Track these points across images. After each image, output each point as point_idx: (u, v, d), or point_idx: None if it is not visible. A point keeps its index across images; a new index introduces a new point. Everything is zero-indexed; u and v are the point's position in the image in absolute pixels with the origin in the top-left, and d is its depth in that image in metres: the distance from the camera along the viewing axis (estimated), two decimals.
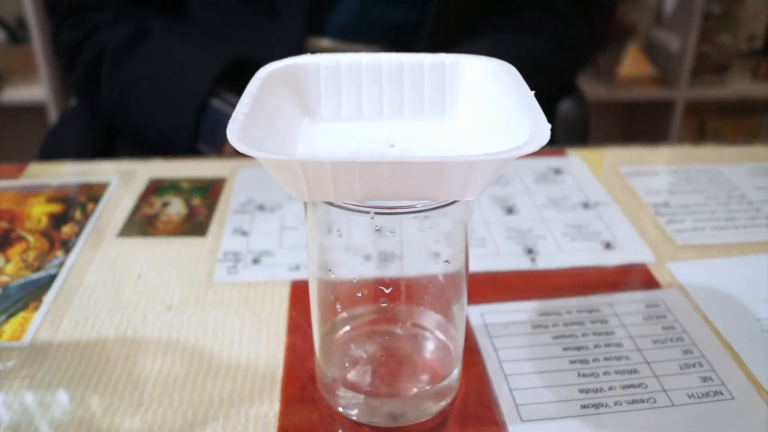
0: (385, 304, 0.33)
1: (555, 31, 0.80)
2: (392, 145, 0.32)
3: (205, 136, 0.70)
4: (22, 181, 0.56)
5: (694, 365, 0.39)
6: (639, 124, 1.84)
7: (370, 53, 0.35)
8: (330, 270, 0.33)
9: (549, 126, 0.26)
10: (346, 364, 0.35)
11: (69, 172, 0.58)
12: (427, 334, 0.36)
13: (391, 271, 0.33)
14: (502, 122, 0.30)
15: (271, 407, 0.35)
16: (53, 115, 1.53)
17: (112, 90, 0.74)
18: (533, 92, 0.29)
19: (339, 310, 0.35)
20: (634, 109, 1.82)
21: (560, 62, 0.82)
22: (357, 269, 0.33)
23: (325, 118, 0.34)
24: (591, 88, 1.59)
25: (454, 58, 0.34)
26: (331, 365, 0.35)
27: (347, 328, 0.36)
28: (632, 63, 1.59)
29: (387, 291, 0.33)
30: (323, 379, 0.35)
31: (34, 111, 1.56)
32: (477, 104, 0.33)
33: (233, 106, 0.69)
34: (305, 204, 0.31)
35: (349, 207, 0.28)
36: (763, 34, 1.70)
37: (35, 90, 1.55)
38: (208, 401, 0.35)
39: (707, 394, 0.37)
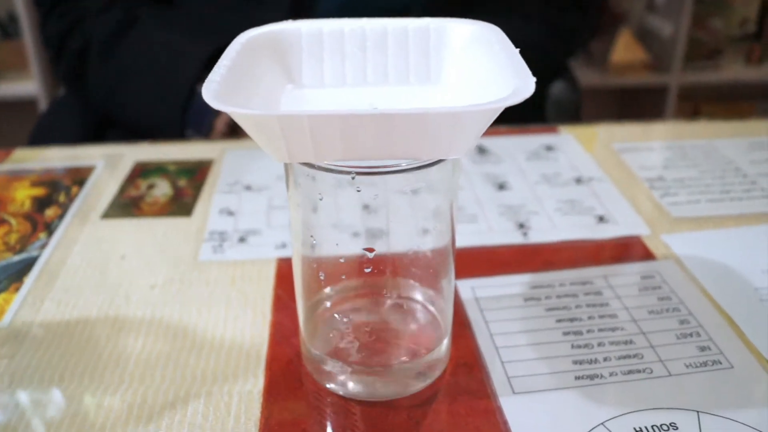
0: (369, 270, 0.32)
1: (547, 16, 0.79)
2: (375, 108, 0.31)
3: (192, 121, 0.69)
4: (6, 166, 0.55)
5: (691, 335, 0.38)
6: (632, 110, 1.83)
7: (353, 19, 0.34)
8: (313, 246, 0.32)
9: (534, 80, 0.25)
10: (332, 338, 0.34)
11: (55, 157, 0.57)
12: (414, 305, 0.35)
13: (377, 246, 0.32)
14: (487, 83, 0.29)
15: (256, 384, 0.34)
16: (45, 109, 1.52)
17: (100, 78, 0.73)
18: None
19: (323, 284, 0.34)
20: (628, 94, 1.82)
21: (552, 47, 0.81)
22: (341, 244, 0.32)
23: (307, 84, 0.33)
24: (584, 74, 1.58)
25: (440, 23, 0.33)
26: (316, 340, 0.34)
27: (332, 302, 0.35)
28: (625, 49, 1.58)
29: (370, 265, 0.32)
30: (309, 355, 0.34)
31: (26, 105, 1.55)
32: (463, 68, 0.32)
33: None
34: (287, 177, 0.30)
35: (330, 167, 0.27)
36: (755, 18, 1.69)
37: (27, 84, 1.54)
38: (190, 379, 0.34)
39: (705, 363, 0.36)
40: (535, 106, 0.84)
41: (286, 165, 0.30)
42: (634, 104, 1.80)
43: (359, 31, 0.33)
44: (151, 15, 0.74)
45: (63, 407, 0.32)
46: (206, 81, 0.26)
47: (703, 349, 0.37)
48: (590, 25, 0.86)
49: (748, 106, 1.79)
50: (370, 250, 0.31)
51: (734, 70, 1.69)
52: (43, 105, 1.53)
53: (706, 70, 1.66)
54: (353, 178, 0.27)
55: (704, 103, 1.77)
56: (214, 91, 0.25)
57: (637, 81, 1.65)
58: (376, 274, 0.33)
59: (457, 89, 0.32)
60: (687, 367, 0.36)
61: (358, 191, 0.28)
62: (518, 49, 0.29)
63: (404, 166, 0.27)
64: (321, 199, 0.29)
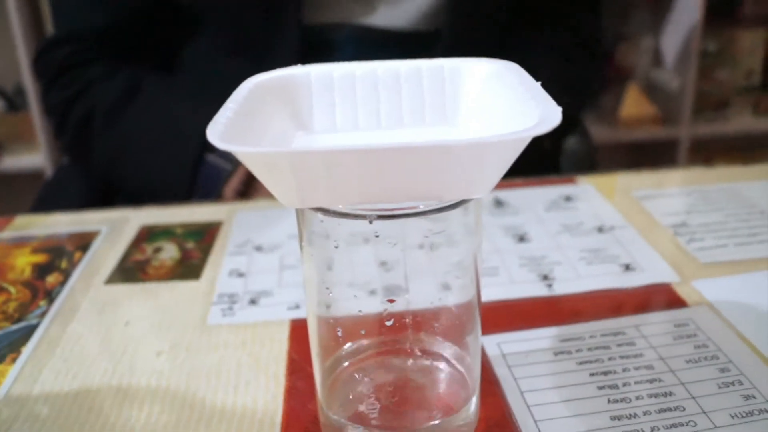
0: (390, 323, 0.30)
1: (557, 68, 0.79)
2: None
3: (201, 191, 0.68)
4: (7, 233, 0.54)
5: (733, 383, 0.35)
6: (645, 164, 1.82)
7: (364, 62, 0.32)
8: (329, 305, 0.30)
9: (560, 109, 0.23)
10: (351, 400, 0.32)
11: (57, 223, 0.55)
12: (439, 363, 0.33)
13: (399, 301, 0.30)
14: (509, 118, 0.27)
15: None
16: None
17: (104, 146, 0.72)
18: None
19: (341, 342, 0.32)
20: (639, 149, 1.81)
21: (563, 100, 0.80)
22: (359, 299, 0.30)
23: (318, 130, 0.32)
24: (594, 129, 1.57)
25: (454, 63, 0.32)
26: (334, 403, 0.32)
27: (350, 361, 0.33)
28: (633, 103, 1.58)
29: (391, 318, 0.30)
30: (327, 421, 0.32)
31: (32, 177, 1.55)
32: (481, 106, 0.31)
33: (229, 159, 0.68)
34: (300, 233, 0.28)
35: (346, 212, 0.25)
36: (760, 69, 1.70)
37: (33, 156, 1.55)
38: None
39: (751, 413, 0.33)
40: (550, 161, 0.83)
41: (298, 220, 0.28)
42: (646, 158, 1.80)
43: (371, 74, 0.32)
44: (156, 82, 0.73)
45: None
46: (211, 122, 0.24)
47: (747, 398, 0.34)
48: (599, 76, 0.86)
49: (760, 156, 1.77)
50: (391, 301, 0.29)
51: (743, 121, 1.68)
52: (49, 177, 1.53)
53: (715, 121, 1.66)
54: (371, 223, 0.25)
55: (715, 155, 1.76)
56: (219, 132, 0.24)
57: (648, 135, 1.64)
58: (397, 329, 0.31)
59: (477, 127, 0.30)
60: (732, 417, 0.33)
61: (376, 237, 0.26)
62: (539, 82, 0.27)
63: (424, 208, 0.25)
64: (336, 247, 0.27)
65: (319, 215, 0.26)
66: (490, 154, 0.22)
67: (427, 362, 0.33)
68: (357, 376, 0.32)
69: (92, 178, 0.78)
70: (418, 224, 0.26)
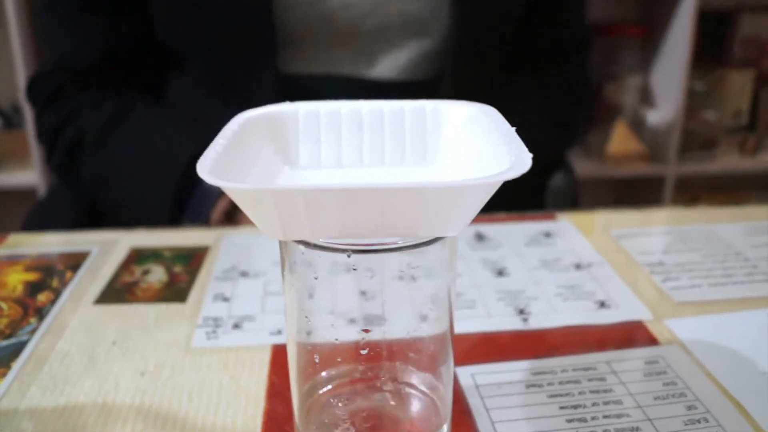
0: (366, 352, 0.31)
1: (544, 110, 0.81)
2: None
3: (190, 211, 0.69)
4: (0, 251, 0.55)
5: (699, 421, 0.36)
6: (630, 201, 1.84)
7: (350, 101, 0.34)
8: (309, 332, 0.31)
9: (531, 156, 0.25)
10: (327, 424, 0.33)
11: (50, 242, 0.57)
12: (412, 391, 0.34)
13: (374, 332, 0.31)
14: (483, 161, 0.29)
15: None
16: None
17: (91, 172, 0.73)
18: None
19: (318, 369, 0.33)
20: (625, 185, 1.84)
21: (549, 139, 0.82)
22: (337, 328, 0.31)
23: (303, 166, 0.34)
24: (581, 165, 1.60)
25: (435, 105, 0.34)
26: (310, 426, 0.33)
27: (327, 387, 0.34)
28: (620, 140, 1.61)
29: (367, 347, 0.31)
30: None
31: (26, 194, 1.56)
32: (458, 148, 0.33)
33: (213, 189, 0.69)
34: (282, 261, 0.30)
35: (325, 245, 0.26)
36: (747, 109, 1.73)
37: (27, 174, 1.56)
38: None
39: None
40: (535, 196, 0.85)
41: (281, 249, 0.29)
42: (632, 195, 1.82)
43: (356, 113, 0.34)
44: (142, 110, 0.74)
45: None
46: (202, 157, 0.26)
47: None
48: (585, 117, 0.88)
49: (745, 195, 1.80)
50: (366, 331, 0.30)
51: (729, 161, 1.71)
52: (42, 194, 1.54)
53: (702, 160, 1.69)
54: (349, 257, 0.27)
55: (701, 193, 1.79)
56: (209, 167, 0.25)
57: (634, 172, 1.67)
58: (373, 358, 0.32)
59: (453, 169, 0.32)
60: None
61: (354, 270, 0.27)
62: (514, 128, 0.29)
63: (401, 244, 0.27)
64: (316, 278, 0.29)
65: (301, 247, 0.27)
66: (462, 196, 0.24)
67: (401, 390, 0.34)
68: (333, 401, 0.33)
69: (82, 200, 0.79)
70: (395, 258, 0.28)
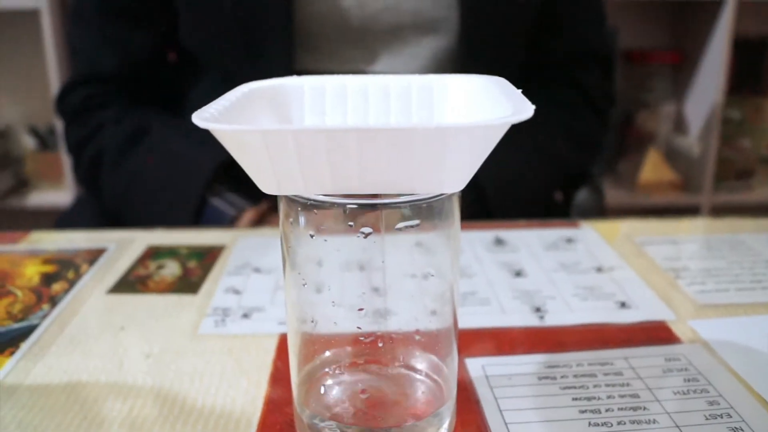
0: (368, 339, 0.30)
1: (566, 124, 0.80)
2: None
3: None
4: (21, 246, 0.55)
5: (721, 416, 0.35)
6: None
7: (357, 76, 0.34)
8: (312, 316, 0.31)
9: (533, 106, 0.24)
10: (325, 403, 0.32)
11: (69, 240, 0.57)
12: (414, 373, 0.33)
13: (378, 322, 0.31)
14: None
15: None
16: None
17: (111, 187, 0.74)
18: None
19: (318, 351, 0.33)
20: (658, 215, 1.80)
21: (573, 155, 0.81)
22: (337, 312, 0.31)
23: None
24: (612, 193, 1.58)
25: (443, 78, 0.33)
26: (310, 405, 0.32)
27: (327, 369, 0.33)
28: (653, 169, 1.58)
29: (369, 337, 0.31)
30: (301, 421, 0.32)
31: (57, 215, 1.58)
32: (466, 116, 0.32)
33: (234, 205, 0.69)
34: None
35: (322, 201, 0.26)
36: None
37: (61, 194, 1.59)
38: None
39: None
40: (560, 214, 0.83)
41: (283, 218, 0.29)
42: None
43: (362, 88, 0.33)
44: (163, 124, 0.75)
45: None
46: (200, 110, 0.26)
47: (734, 430, 0.34)
48: (607, 130, 0.87)
49: None
50: (360, 309, 0.30)
51: (766, 191, 1.67)
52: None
53: (738, 190, 1.65)
54: (346, 212, 0.26)
55: None
56: (205, 118, 0.25)
57: (667, 201, 1.64)
58: (373, 341, 0.32)
59: None
60: None
61: (351, 225, 0.27)
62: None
63: (400, 199, 0.26)
64: (315, 237, 0.28)
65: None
66: (454, 141, 0.23)
67: (403, 371, 0.33)
68: (332, 381, 0.32)
69: (104, 212, 0.80)
70: (395, 217, 0.27)
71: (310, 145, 0.23)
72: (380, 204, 0.26)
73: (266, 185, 0.25)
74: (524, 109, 0.24)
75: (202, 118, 0.25)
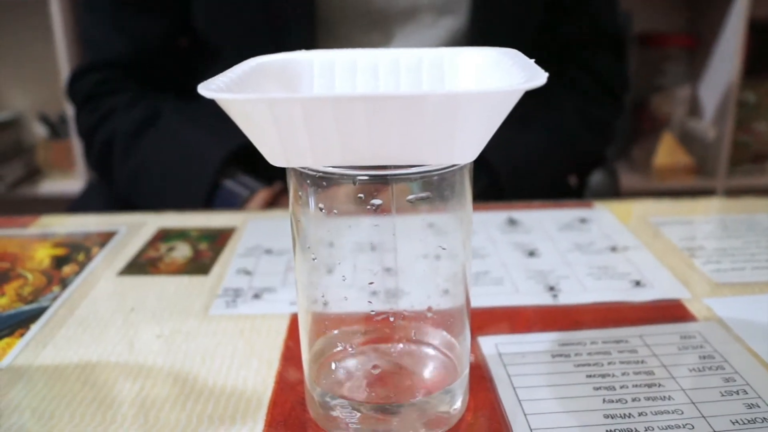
0: (378, 315, 0.30)
1: (579, 107, 0.79)
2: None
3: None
4: (32, 230, 0.55)
5: (737, 392, 0.34)
6: None
7: (367, 50, 0.33)
8: (323, 294, 0.30)
9: (546, 74, 0.24)
10: (338, 380, 0.32)
11: (79, 223, 0.57)
12: (426, 348, 0.33)
13: (389, 302, 0.30)
14: None
15: (254, 429, 0.31)
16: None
17: (122, 172, 0.74)
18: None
19: (329, 328, 0.32)
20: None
21: (587, 138, 0.80)
22: (348, 290, 0.30)
23: None
24: (626, 178, 1.56)
25: (454, 51, 0.33)
26: (321, 383, 0.32)
27: (339, 346, 0.33)
28: (667, 153, 1.57)
29: (380, 315, 0.30)
30: (312, 399, 0.32)
31: (68, 203, 1.59)
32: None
33: (246, 186, 0.69)
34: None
35: (331, 172, 0.25)
36: None
37: (71, 183, 1.59)
38: (185, 421, 0.32)
39: (754, 421, 0.32)
40: (574, 197, 0.83)
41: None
42: None
43: (372, 61, 0.33)
44: (175, 109, 0.75)
45: None
46: (206, 82, 0.25)
47: (750, 406, 0.33)
48: (621, 113, 0.86)
49: None
50: (371, 283, 0.29)
51: None
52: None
53: (753, 174, 1.63)
54: (355, 184, 0.26)
55: None
56: (212, 89, 0.24)
57: (681, 185, 1.62)
58: (384, 319, 0.31)
59: None
60: (733, 424, 0.32)
61: (361, 197, 0.26)
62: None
63: (411, 170, 0.25)
64: (330, 213, 0.28)
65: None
66: (469, 108, 0.22)
67: (414, 347, 0.33)
68: (343, 358, 0.32)
69: (116, 198, 0.80)
70: (404, 190, 0.27)
71: (319, 114, 0.22)
72: (391, 175, 0.25)
73: (274, 157, 0.25)
74: (537, 77, 0.24)
75: (209, 89, 0.24)
